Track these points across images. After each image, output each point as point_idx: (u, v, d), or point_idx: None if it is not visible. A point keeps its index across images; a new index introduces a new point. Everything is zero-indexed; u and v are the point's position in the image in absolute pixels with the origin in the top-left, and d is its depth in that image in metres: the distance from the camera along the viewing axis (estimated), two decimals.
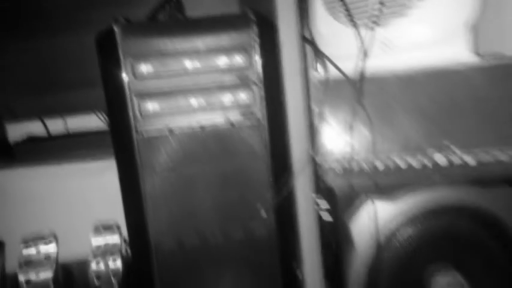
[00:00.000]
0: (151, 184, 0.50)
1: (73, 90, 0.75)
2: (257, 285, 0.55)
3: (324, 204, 0.58)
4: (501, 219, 0.53)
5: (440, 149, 0.53)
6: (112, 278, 0.63)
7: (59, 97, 0.75)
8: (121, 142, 0.50)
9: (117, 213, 0.61)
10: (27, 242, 0.65)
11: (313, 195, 0.54)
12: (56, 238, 0.65)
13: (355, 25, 0.56)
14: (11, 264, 0.66)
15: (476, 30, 0.60)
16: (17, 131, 0.82)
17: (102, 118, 0.81)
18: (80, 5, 0.74)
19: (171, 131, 0.50)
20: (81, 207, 0.75)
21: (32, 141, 0.81)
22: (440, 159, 0.53)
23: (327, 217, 0.59)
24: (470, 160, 0.53)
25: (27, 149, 0.78)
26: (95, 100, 0.69)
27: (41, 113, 0.79)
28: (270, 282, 0.55)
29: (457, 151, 0.53)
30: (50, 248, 0.64)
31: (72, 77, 0.75)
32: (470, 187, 0.54)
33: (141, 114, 0.49)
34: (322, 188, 0.57)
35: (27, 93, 0.76)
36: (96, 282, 0.63)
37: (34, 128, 0.84)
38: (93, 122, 0.83)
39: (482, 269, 0.55)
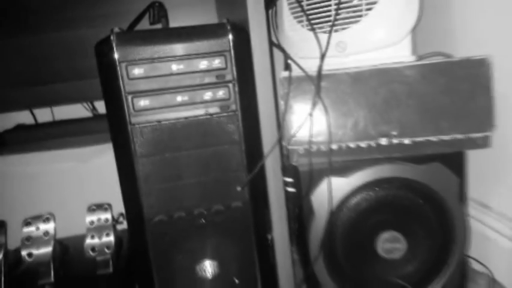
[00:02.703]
0: (143, 167, 0.53)
1: (61, 82, 0.74)
2: (234, 249, 0.58)
3: (289, 180, 0.64)
4: (432, 188, 0.59)
5: (383, 133, 0.57)
6: (105, 249, 0.65)
7: (47, 88, 0.74)
8: (118, 132, 0.53)
9: (106, 193, 0.65)
10: (28, 221, 0.65)
11: (281, 172, 0.58)
12: (53, 217, 0.66)
13: (314, 30, 0.59)
14: (11, 243, 0.66)
15: (417, 34, 0.63)
16: (7, 120, 0.81)
17: (88, 108, 0.84)
18: (67, 3, 0.73)
19: (159, 122, 0.53)
20: (74, 189, 0.74)
21: (22, 129, 0.79)
22: (383, 141, 0.57)
23: (292, 190, 0.65)
24: (407, 142, 0.57)
25: (17, 136, 0.77)
26: (82, 91, 0.73)
27: (30, 104, 0.78)
28: (245, 246, 0.58)
29: (397, 135, 0.57)
30: (48, 226, 0.65)
31: (60, 70, 0.75)
32: (408, 163, 0.59)
33: (134, 109, 0.52)
34: (288, 167, 0.62)
35: (17, 85, 0.74)
36: (91, 253, 0.65)
37: (23, 117, 0.83)
38: (79, 111, 0.84)
39: (417, 229, 0.61)
